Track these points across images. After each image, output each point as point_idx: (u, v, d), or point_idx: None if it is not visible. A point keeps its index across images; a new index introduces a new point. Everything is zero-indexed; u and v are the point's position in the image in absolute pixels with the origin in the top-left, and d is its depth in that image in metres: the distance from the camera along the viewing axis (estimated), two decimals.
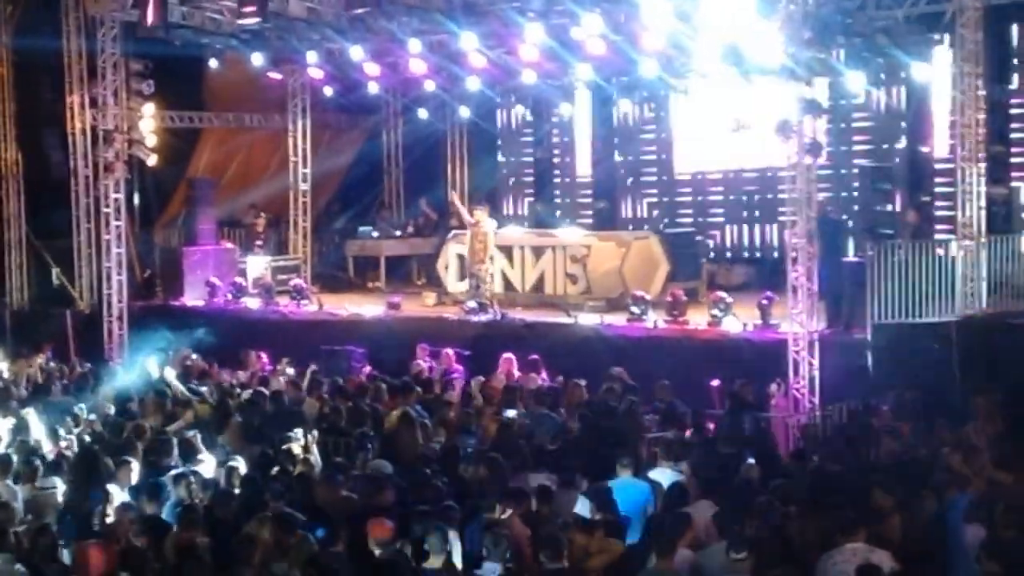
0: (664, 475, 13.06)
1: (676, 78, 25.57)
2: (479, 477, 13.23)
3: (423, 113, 29.93)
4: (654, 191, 29.01)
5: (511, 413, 16.37)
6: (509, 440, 14.94)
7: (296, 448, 14.67)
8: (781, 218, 25.52)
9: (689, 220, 27.92)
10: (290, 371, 20.74)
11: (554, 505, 12.11)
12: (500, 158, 31.75)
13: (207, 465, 14.41)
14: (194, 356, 22.18)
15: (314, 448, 14.81)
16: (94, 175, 27.22)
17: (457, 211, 24.91)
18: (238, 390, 19.11)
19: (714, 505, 11.75)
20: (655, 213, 28.66)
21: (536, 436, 15.26)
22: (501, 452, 13.92)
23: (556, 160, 30.60)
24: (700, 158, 27.96)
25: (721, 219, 27.84)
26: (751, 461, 13.32)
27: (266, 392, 18.39)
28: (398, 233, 29.94)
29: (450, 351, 20.67)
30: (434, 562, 10.56)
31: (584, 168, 30.00)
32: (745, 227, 27.51)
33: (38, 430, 16.78)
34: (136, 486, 13.64)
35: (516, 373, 19.29)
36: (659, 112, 28.69)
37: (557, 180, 30.64)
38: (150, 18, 23.38)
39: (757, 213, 27.25)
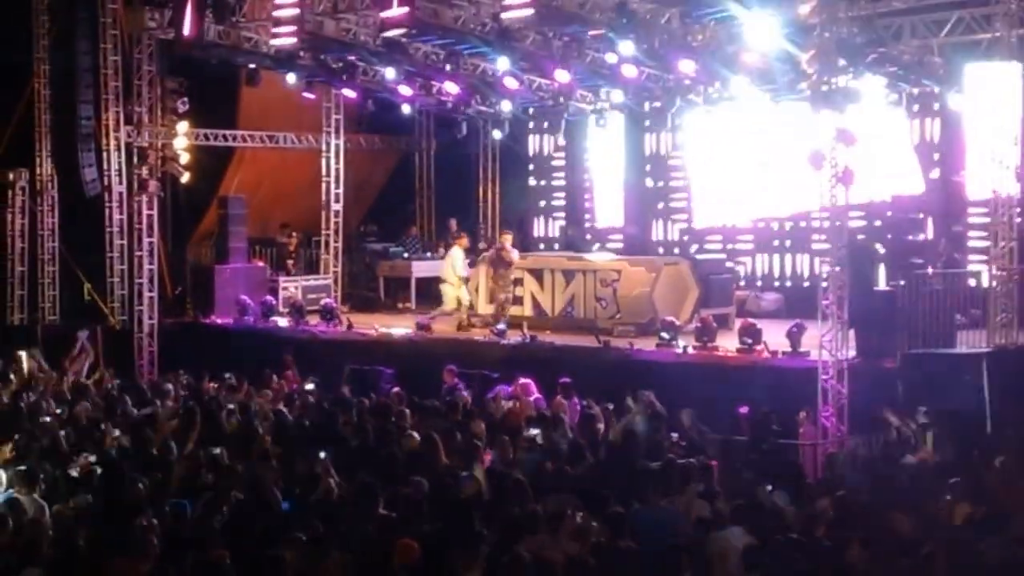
0: (692, 503, 13.02)
1: (709, 104, 25.66)
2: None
3: (455, 135, 29.97)
4: (684, 217, 28.92)
5: (534, 432, 16.38)
6: (532, 462, 14.93)
7: (317, 468, 14.62)
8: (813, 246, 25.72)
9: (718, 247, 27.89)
10: (309, 387, 20.77)
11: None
12: (531, 181, 31.74)
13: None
14: (227, 375, 22.21)
15: (331, 469, 14.73)
16: (128, 192, 27.42)
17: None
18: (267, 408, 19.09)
19: (745, 532, 11.67)
20: (685, 238, 28.64)
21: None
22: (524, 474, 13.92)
23: (587, 184, 30.56)
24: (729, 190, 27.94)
25: (751, 246, 27.75)
26: (769, 488, 13.25)
27: (286, 412, 18.40)
28: (429, 255, 30.01)
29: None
30: None
31: (615, 192, 29.94)
32: (776, 255, 27.38)
33: (63, 444, 16.81)
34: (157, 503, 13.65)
35: (535, 396, 19.21)
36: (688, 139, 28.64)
37: (588, 204, 30.59)
38: (187, 29, 23.48)
39: (788, 242, 27.15)
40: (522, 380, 19.50)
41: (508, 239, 24.78)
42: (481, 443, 15.89)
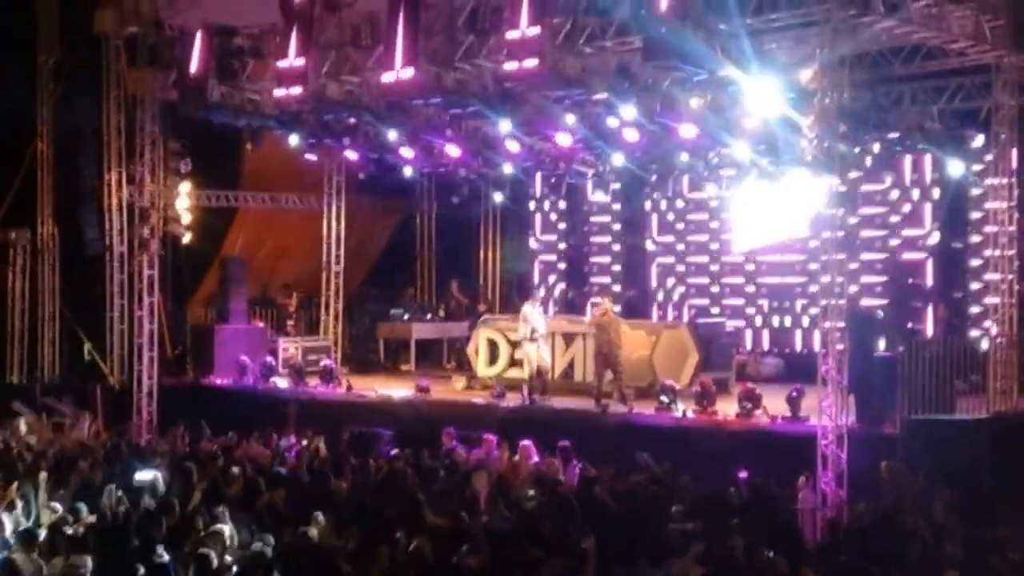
0: (691, 567, 12.95)
1: (709, 168, 25.74)
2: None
3: (456, 197, 29.99)
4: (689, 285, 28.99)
5: (531, 492, 16.35)
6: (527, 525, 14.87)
7: (313, 531, 14.54)
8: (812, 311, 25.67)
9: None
10: (304, 443, 20.76)
11: None
12: (532, 244, 31.81)
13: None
14: (229, 434, 22.17)
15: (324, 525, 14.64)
16: (129, 251, 27.45)
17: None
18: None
19: None
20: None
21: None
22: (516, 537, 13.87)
23: (587, 247, 30.64)
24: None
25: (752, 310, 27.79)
26: (769, 553, 13.19)
27: (283, 472, 18.35)
28: (429, 316, 30.02)
29: (491, 436, 20.23)
30: None
31: (616, 255, 30.03)
32: (775, 319, 27.39)
33: (62, 505, 16.74)
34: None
35: (535, 459, 19.15)
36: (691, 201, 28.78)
37: (588, 267, 30.65)
38: (194, 67, 23.44)
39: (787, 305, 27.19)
40: (523, 442, 19.46)
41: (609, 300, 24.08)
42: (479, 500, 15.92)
